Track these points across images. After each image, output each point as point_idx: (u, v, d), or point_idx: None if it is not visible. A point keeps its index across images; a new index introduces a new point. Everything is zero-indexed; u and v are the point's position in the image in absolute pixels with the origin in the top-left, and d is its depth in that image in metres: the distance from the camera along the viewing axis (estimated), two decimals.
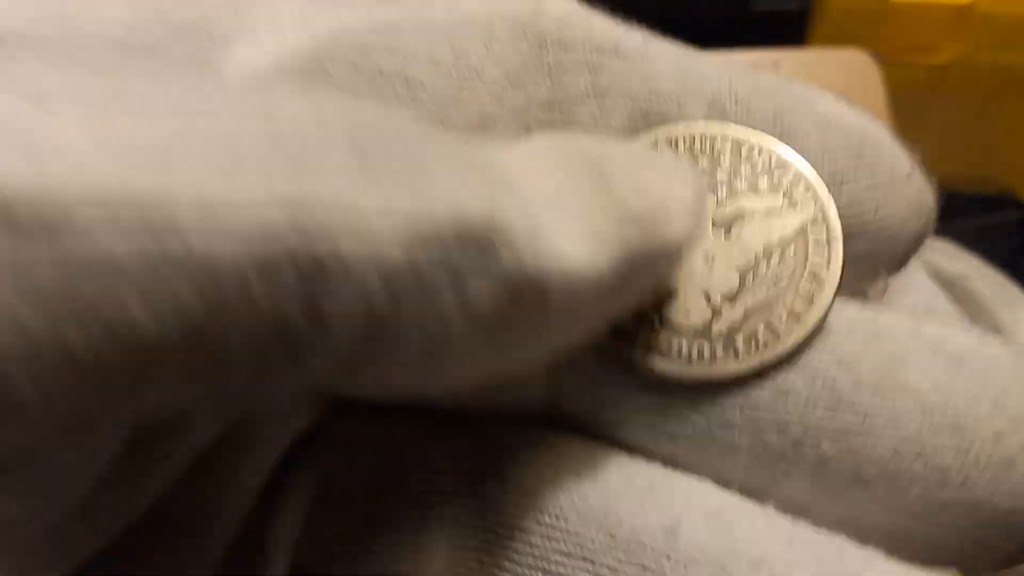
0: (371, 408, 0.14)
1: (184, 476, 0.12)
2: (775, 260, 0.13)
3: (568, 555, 0.12)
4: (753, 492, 0.13)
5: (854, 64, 0.40)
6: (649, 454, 0.13)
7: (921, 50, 0.41)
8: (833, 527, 0.13)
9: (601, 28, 0.14)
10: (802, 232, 0.13)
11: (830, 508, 0.13)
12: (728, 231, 0.13)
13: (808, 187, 0.14)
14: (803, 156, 0.14)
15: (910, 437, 0.13)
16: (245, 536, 0.14)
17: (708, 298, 0.13)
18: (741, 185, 0.14)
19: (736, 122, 0.14)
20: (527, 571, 0.13)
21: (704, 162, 0.14)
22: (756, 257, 0.13)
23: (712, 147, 0.14)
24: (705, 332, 0.13)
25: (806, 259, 0.13)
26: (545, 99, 0.14)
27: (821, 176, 0.14)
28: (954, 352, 0.13)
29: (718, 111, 0.14)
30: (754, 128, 0.14)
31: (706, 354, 0.13)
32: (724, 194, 0.14)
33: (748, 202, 0.14)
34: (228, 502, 0.13)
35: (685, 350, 0.13)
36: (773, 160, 0.14)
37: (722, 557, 0.12)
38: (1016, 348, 0.13)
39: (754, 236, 0.13)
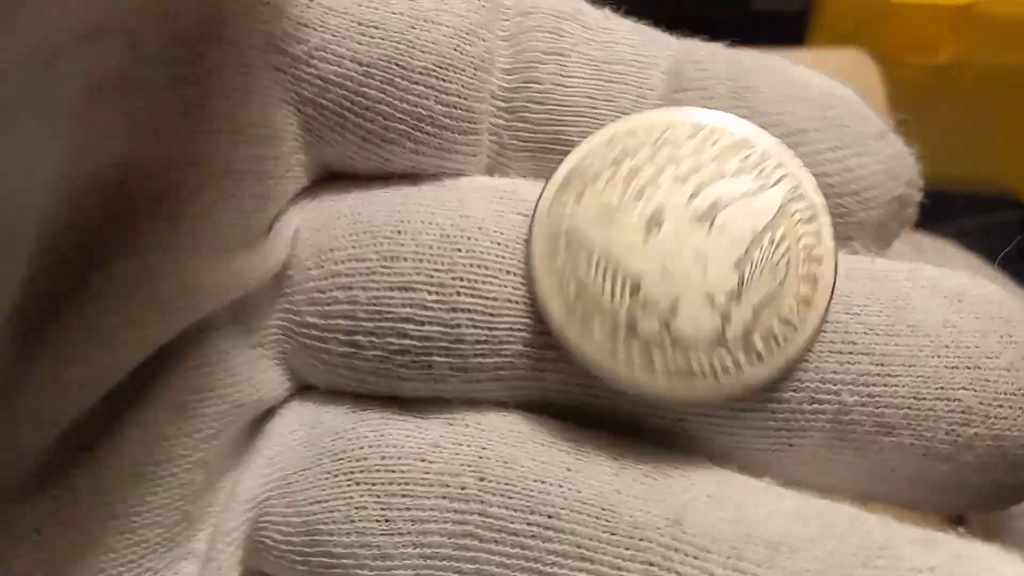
0: (336, 393, 0.14)
1: None
2: (767, 246, 0.13)
3: (563, 555, 0.12)
4: (768, 458, 0.13)
5: (854, 64, 0.40)
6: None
7: (921, 50, 0.41)
8: (856, 483, 0.13)
9: None
10: (784, 211, 0.13)
11: (853, 463, 0.13)
12: (711, 224, 0.13)
13: (778, 163, 0.13)
14: (762, 115, 0.13)
15: (929, 376, 0.12)
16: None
17: (712, 302, 0.12)
18: (709, 172, 0.13)
19: (693, 84, 0.14)
20: (519, 575, 0.12)
21: (666, 152, 0.13)
22: (748, 247, 0.13)
23: (672, 135, 0.13)
24: (720, 340, 0.12)
25: (798, 239, 0.13)
26: (507, 66, 0.14)
27: (779, 134, 0.13)
28: (953, 290, 0.13)
29: (675, 75, 0.14)
30: (711, 98, 0.14)
31: (729, 365, 0.12)
32: (695, 184, 0.13)
33: (722, 189, 0.13)
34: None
35: (707, 365, 0.12)
36: (736, 140, 0.13)
37: (736, 542, 0.12)
38: (1004, 285, 0.13)
39: (738, 225, 0.13)
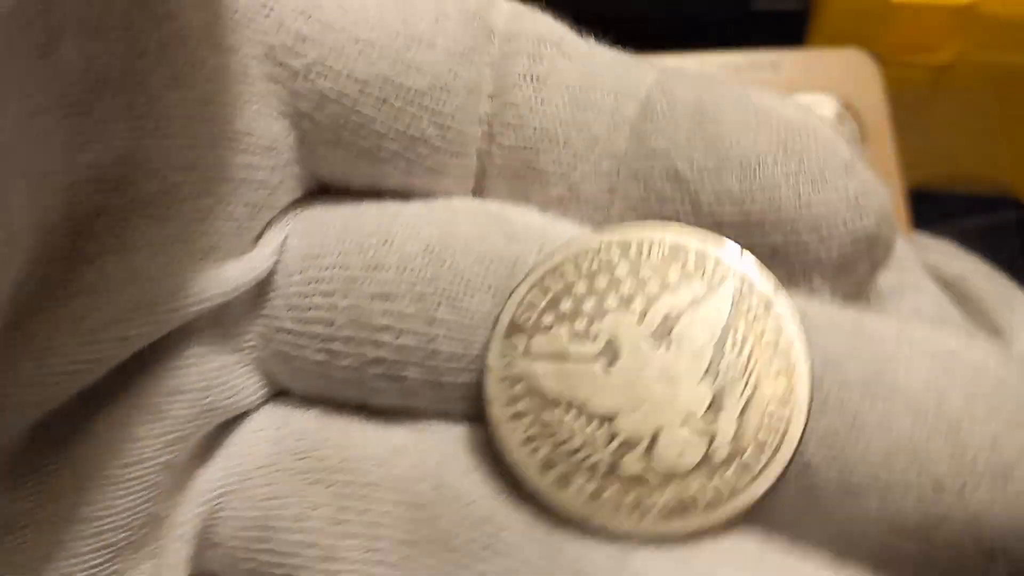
0: (310, 399, 0.14)
1: None
2: (730, 351, 0.12)
3: (514, 572, 0.12)
4: None
5: (854, 64, 0.40)
6: None
7: (921, 50, 0.41)
8: (824, 548, 0.12)
9: (547, 24, 0.14)
10: (736, 309, 0.12)
11: (818, 525, 0.12)
12: (668, 343, 0.12)
13: (716, 261, 0.13)
14: (721, 145, 0.13)
15: (902, 441, 0.12)
16: None
17: (693, 424, 0.12)
18: (652, 287, 0.13)
19: (660, 116, 0.14)
20: None
21: (602, 280, 0.13)
22: (711, 356, 0.12)
23: (603, 260, 0.13)
24: (710, 464, 0.12)
25: (760, 334, 0.12)
26: (491, 91, 0.14)
27: (737, 165, 0.13)
28: (945, 352, 0.12)
29: (645, 105, 0.14)
30: (676, 129, 0.13)
31: (724, 489, 0.12)
32: (641, 304, 0.12)
33: (668, 302, 0.12)
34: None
35: (702, 495, 0.12)
36: (668, 247, 0.13)
37: None
38: (1005, 347, 0.13)
39: (695, 336, 0.12)
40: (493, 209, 0.14)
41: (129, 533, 0.13)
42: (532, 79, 0.14)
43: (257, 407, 0.15)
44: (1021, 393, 0.12)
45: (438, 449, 0.13)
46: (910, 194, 0.40)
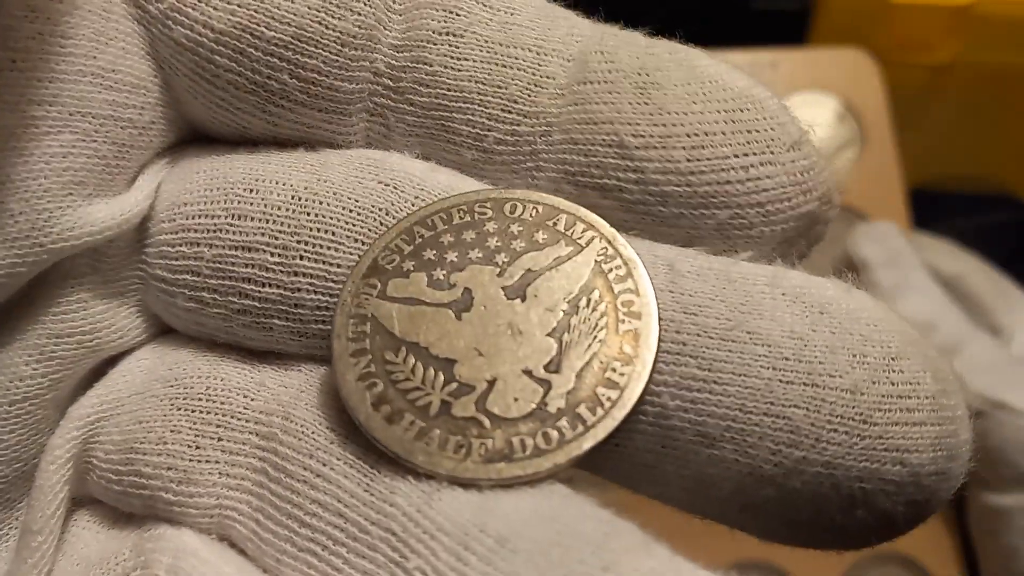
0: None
1: None
2: (584, 309, 0.12)
3: (322, 505, 0.12)
4: (595, 458, 0.12)
5: (854, 64, 0.40)
6: None
7: (921, 50, 0.41)
8: (681, 497, 0.12)
9: None
10: (599, 271, 0.12)
11: (675, 474, 0.12)
12: (523, 297, 0.12)
13: (586, 224, 0.13)
14: (667, 113, 0.13)
15: (759, 389, 0.11)
16: None
17: (531, 375, 0.12)
18: (519, 245, 0.13)
19: (597, 77, 0.13)
20: (285, 519, 0.12)
21: (470, 234, 0.13)
22: (563, 313, 0.12)
23: (473, 214, 0.13)
24: (542, 414, 0.12)
25: (615, 296, 0.12)
26: (397, 42, 0.14)
27: (683, 134, 0.12)
28: (815, 301, 0.12)
29: (580, 64, 0.13)
30: (615, 92, 0.13)
31: (554, 438, 0.12)
32: (504, 260, 0.13)
33: (532, 260, 0.13)
34: None
35: (530, 443, 0.12)
36: (541, 210, 0.13)
37: (468, 530, 0.11)
38: (884, 302, 0.12)
39: (552, 292, 0.12)
40: (373, 156, 0.14)
41: (20, 465, 0.13)
42: (448, 34, 0.13)
43: (143, 343, 0.15)
44: (888, 344, 0.12)
45: (295, 386, 0.13)
46: (910, 194, 0.40)
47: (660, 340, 0.12)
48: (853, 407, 0.11)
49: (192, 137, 0.14)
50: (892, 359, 0.12)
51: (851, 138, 0.38)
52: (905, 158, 0.38)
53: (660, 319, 0.12)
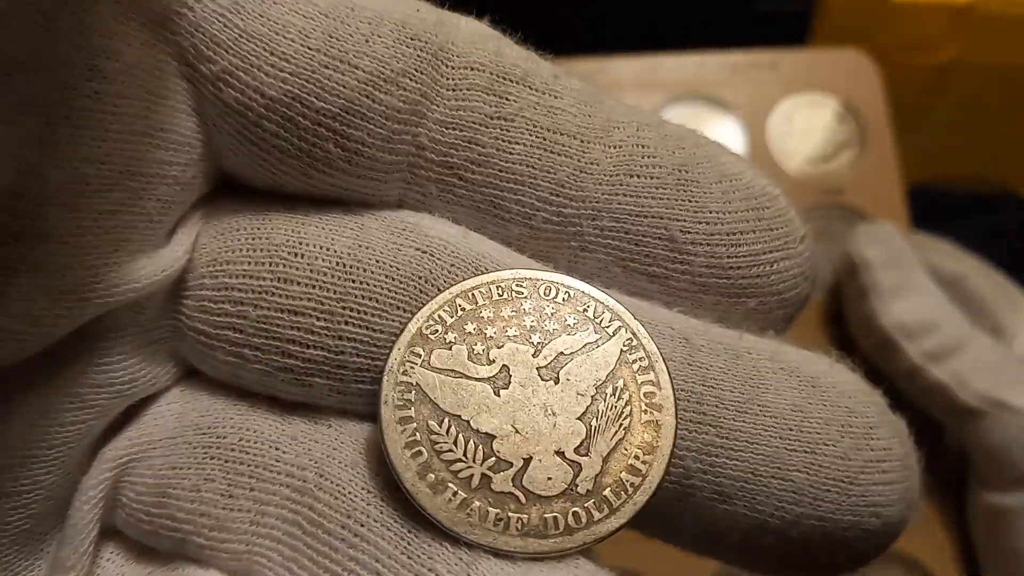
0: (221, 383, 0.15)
1: None
2: (611, 396, 0.13)
3: (361, 564, 0.13)
4: None
5: (854, 64, 0.40)
6: None
7: (921, 50, 0.41)
8: (691, 542, 0.14)
9: (510, 54, 0.14)
10: (624, 360, 0.14)
11: (690, 525, 0.14)
12: (557, 379, 0.13)
13: (613, 314, 0.14)
14: (707, 212, 0.14)
15: (768, 455, 0.14)
16: None
17: (563, 456, 0.13)
18: (551, 326, 0.14)
19: (643, 172, 0.14)
20: (321, 572, 0.13)
21: (508, 311, 0.14)
22: (592, 399, 0.13)
23: (511, 292, 0.14)
24: (572, 495, 0.13)
25: (638, 387, 0.13)
26: (445, 118, 0.14)
27: (720, 231, 0.14)
28: (807, 375, 0.14)
29: (630, 160, 0.14)
30: (659, 188, 0.14)
31: (582, 518, 0.13)
32: (539, 340, 0.14)
33: (564, 342, 0.14)
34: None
35: (561, 520, 0.13)
36: (572, 293, 0.14)
37: None
38: (859, 376, 0.15)
39: (582, 377, 0.13)
40: (409, 219, 0.14)
41: (54, 503, 0.14)
42: (500, 119, 0.14)
43: (171, 386, 0.15)
44: (867, 415, 0.14)
45: (327, 442, 0.14)
46: (910, 194, 0.40)
47: (678, 419, 0.13)
48: (843, 471, 0.14)
49: (223, 182, 0.15)
50: (871, 428, 0.14)
51: (851, 138, 0.38)
52: (905, 158, 0.38)
53: (681, 390, 0.14)
